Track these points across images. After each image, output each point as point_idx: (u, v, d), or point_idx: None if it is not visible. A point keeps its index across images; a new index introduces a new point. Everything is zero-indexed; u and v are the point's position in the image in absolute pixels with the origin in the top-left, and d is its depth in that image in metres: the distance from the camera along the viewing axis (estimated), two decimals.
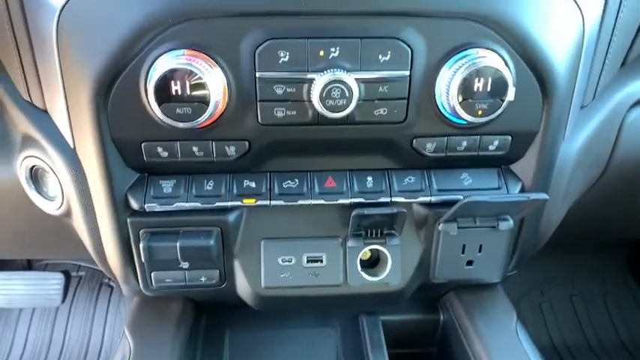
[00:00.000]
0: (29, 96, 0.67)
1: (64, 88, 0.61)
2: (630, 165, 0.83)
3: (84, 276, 1.64)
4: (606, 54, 0.70)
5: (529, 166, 0.69)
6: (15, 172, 0.72)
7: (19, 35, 0.62)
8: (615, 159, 0.81)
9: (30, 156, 0.69)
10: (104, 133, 0.61)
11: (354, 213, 0.65)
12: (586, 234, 1.23)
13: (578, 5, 0.61)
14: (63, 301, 1.56)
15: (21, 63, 0.64)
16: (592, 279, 1.62)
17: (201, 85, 0.55)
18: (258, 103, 0.59)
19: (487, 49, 0.58)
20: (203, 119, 0.57)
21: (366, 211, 0.65)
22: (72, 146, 0.65)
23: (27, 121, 0.67)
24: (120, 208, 0.66)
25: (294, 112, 0.60)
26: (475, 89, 0.57)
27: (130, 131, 0.61)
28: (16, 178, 0.72)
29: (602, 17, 0.66)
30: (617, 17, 0.68)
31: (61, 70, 0.59)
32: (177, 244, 0.66)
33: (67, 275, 1.59)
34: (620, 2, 0.67)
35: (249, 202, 0.66)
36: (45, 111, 0.67)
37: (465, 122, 0.60)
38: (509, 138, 0.65)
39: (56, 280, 1.59)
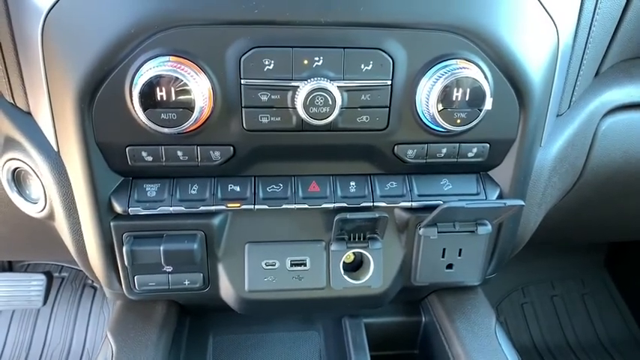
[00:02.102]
0: (12, 98, 0.66)
1: (49, 92, 0.61)
2: (604, 171, 0.86)
3: (66, 277, 1.61)
4: (580, 65, 0.73)
5: (507, 173, 0.71)
6: None
7: (2, 37, 0.62)
8: (590, 166, 0.84)
9: (12, 158, 0.68)
10: (88, 137, 0.61)
11: (337, 217, 0.67)
12: (563, 237, 1.26)
13: (552, 19, 0.63)
14: (44, 303, 1.54)
15: (4, 65, 0.64)
16: (572, 280, 1.66)
17: (186, 92, 0.56)
18: (243, 109, 0.60)
19: (466, 60, 0.60)
20: (188, 125, 0.58)
21: (349, 215, 0.66)
22: (56, 149, 0.65)
23: (10, 123, 0.67)
24: (103, 211, 0.66)
25: (279, 119, 0.61)
26: (454, 99, 0.59)
27: (115, 135, 0.61)
28: None
29: (576, 30, 0.69)
30: (590, 30, 0.71)
31: (45, 74, 0.59)
32: (161, 248, 0.66)
33: (49, 277, 1.57)
34: (593, 16, 0.70)
35: (234, 206, 0.67)
36: (28, 113, 0.67)
37: (444, 130, 0.62)
38: (487, 145, 0.67)
39: (38, 281, 1.56)
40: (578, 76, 0.74)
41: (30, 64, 0.61)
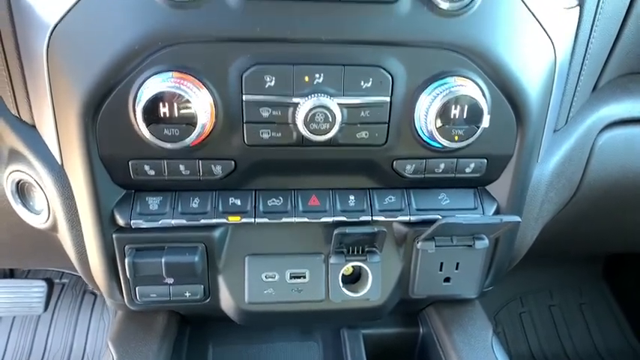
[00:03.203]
0: (17, 111, 0.68)
1: (53, 106, 0.62)
2: (601, 185, 0.87)
3: (67, 283, 1.62)
4: (578, 80, 0.74)
5: (504, 188, 0.72)
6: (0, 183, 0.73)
7: (8, 50, 0.63)
8: (586, 180, 0.85)
9: (16, 170, 0.70)
10: (92, 151, 0.62)
11: (336, 232, 0.67)
12: (561, 249, 1.27)
13: (549, 37, 0.64)
14: (45, 310, 1.55)
15: (10, 78, 0.65)
16: (570, 290, 1.67)
17: (188, 108, 0.57)
18: (244, 124, 0.61)
19: (464, 77, 0.61)
20: (190, 140, 0.59)
21: (348, 230, 0.67)
22: (59, 163, 0.66)
23: (14, 135, 0.68)
24: (106, 224, 0.67)
25: (279, 134, 0.62)
26: (452, 116, 0.60)
27: (118, 150, 0.62)
28: (0, 188, 0.73)
29: (574, 46, 0.70)
30: (587, 46, 0.72)
31: (50, 88, 0.61)
32: (162, 260, 0.67)
33: (49, 283, 1.58)
34: (590, 32, 0.71)
35: (235, 219, 0.68)
36: (33, 126, 0.68)
37: (442, 146, 0.63)
38: (485, 161, 0.68)
39: (39, 288, 1.57)
40: (575, 91, 0.75)
41: (35, 78, 0.62)
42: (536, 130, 0.69)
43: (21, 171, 0.69)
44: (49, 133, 0.65)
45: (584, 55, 0.72)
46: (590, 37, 0.71)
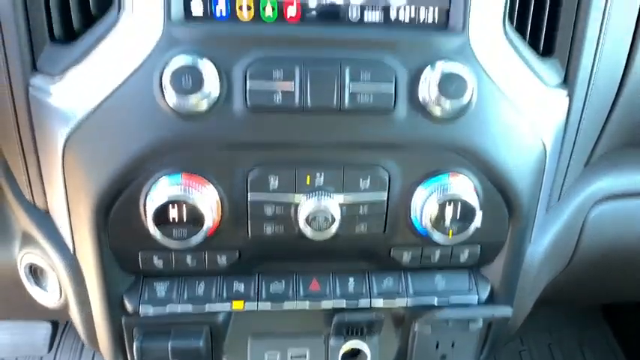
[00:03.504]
0: (32, 196, 0.71)
1: (67, 202, 0.65)
2: (593, 256, 0.89)
3: (69, 322, 1.64)
4: (569, 161, 0.76)
5: (497, 270, 0.75)
6: (13, 257, 0.76)
7: (25, 142, 0.66)
8: (579, 252, 0.87)
9: (30, 253, 0.73)
10: (103, 244, 0.65)
11: (335, 319, 0.70)
12: (559, 300, 1.28)
13: (539, 133, 0.67)
14: (49, 351, 1.56)
15: (26, 167, 0.68)
16: (569, 328, 1.67)
17: (196, 211, 0.60)
18: (249, 220, 0.64)
19: (458, 174, 0.65)
20: (197, 240, 0.62)
21: (347, 317, 0.70)
22: (72, 250, 0.69)
23: (28, 220, 0.71)
24: (115, 309, 0.70)
25: (282, 229, 0.65)
26: (446, 215, 0.63)
27: (129, 243, 0.65)
28: (14, 262, 0.76)
29: (564, 134, 0.73)
30: (577, 131, 0.74)
31: (65, 186, 0.64)
32: (169, 345, 0.70)
33: (54, 325, 1.60)
34: (580, 118, 0.73)
35: (238, 306, 0.71)
36: (47, 211, 0.71)
37: (437, 241, 0.66)
38: (479, 248, 0.71)
39: (43, 329, 1.59)
40: (567, 171, 0.77)
41: (50, 171, 0.66)
42: (527, 217, 0.72)
43: (34, 254, 0.72)
44: (62, 222, 0.69)
45: (575, 139, 0.75)
46: (580, 122, 0.74)
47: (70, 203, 0.65)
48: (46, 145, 0.65)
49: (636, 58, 0.73)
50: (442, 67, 0.60)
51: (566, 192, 0.80)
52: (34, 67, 0.63)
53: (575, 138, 0.75)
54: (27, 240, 0.73)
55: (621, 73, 0.74)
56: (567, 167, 0.77)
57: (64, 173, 0.63)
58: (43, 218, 0.71)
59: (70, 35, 0.63)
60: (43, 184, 0.69)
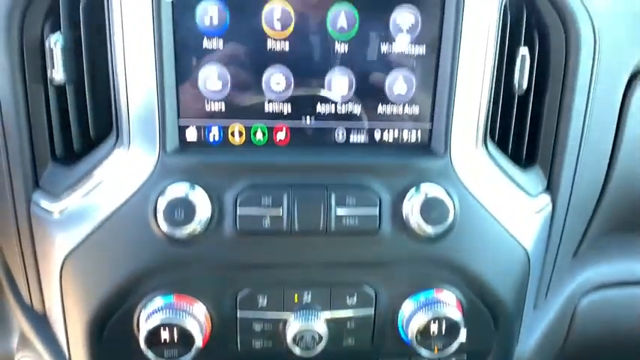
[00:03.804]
0: (30, 299, 0.73)
1: (64, 314, 0.67)
2: (585, 344, 0.89)
3: None
4: (555, 262, 0.78)
5: None
6: (11, 351, 0.77)
7: (26, 257, 0.68)
8: (570, 342, 0.87)
9: (26, 357, 0.74)
10: (99, 356, 0.67)
11: None
12: None
13: (522, 246, 0.69)
14: None
15: (26, 275, 0.71)
16: None
17: (187, 333, 0.62)
18: (238, 336, 0.66)
19: (442, 290, 0.66)
20: (187, 359, 0.63)
21: None
22: (67, 357, 0.71)
23: (25, 322, 0.73)
24: None
25: (271, 344, 0.66)
26: (431, 331, 0.65)
27: (122, 357, 0.67)
28: (11, 356, 0.77)
29: (549, 239, 0.74)
30: (562, 234, 0.76)
31: (62, 300, 0.66)
32: None
33: None
34: (564, 221, 0.75)
35: None
36: (44, 315, 0.73)
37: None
38: (465, 356, 0.72)
39: None
40: (553, 269, 0.78)
41: (49, 283, 0.68)
42: (513, 322, 0.73)
43: (30, 359, 0.74)
44: (58, 328, 0.70)
45: (560, 239, 0.77)
46: (564, 224, 0.76)
47: (66, 315, 0.67)
48: (45, 256, 0.67)
49: (621, 147, 0.75)
50: (425, 190, 0.62)
51: (554, 286, 0.81)
52: (36, 183, 0.66)
53: (561, 238, 0.76)
54: (24, 343, 0.74)
55: (604, 173, 0.76)
56: (554, 265, 0.78)
57: (61, 289, 0.66)
58: (41, 322, 0.72)
59: (71, 154, 0.66)
60: (41, 290, 0.71)
